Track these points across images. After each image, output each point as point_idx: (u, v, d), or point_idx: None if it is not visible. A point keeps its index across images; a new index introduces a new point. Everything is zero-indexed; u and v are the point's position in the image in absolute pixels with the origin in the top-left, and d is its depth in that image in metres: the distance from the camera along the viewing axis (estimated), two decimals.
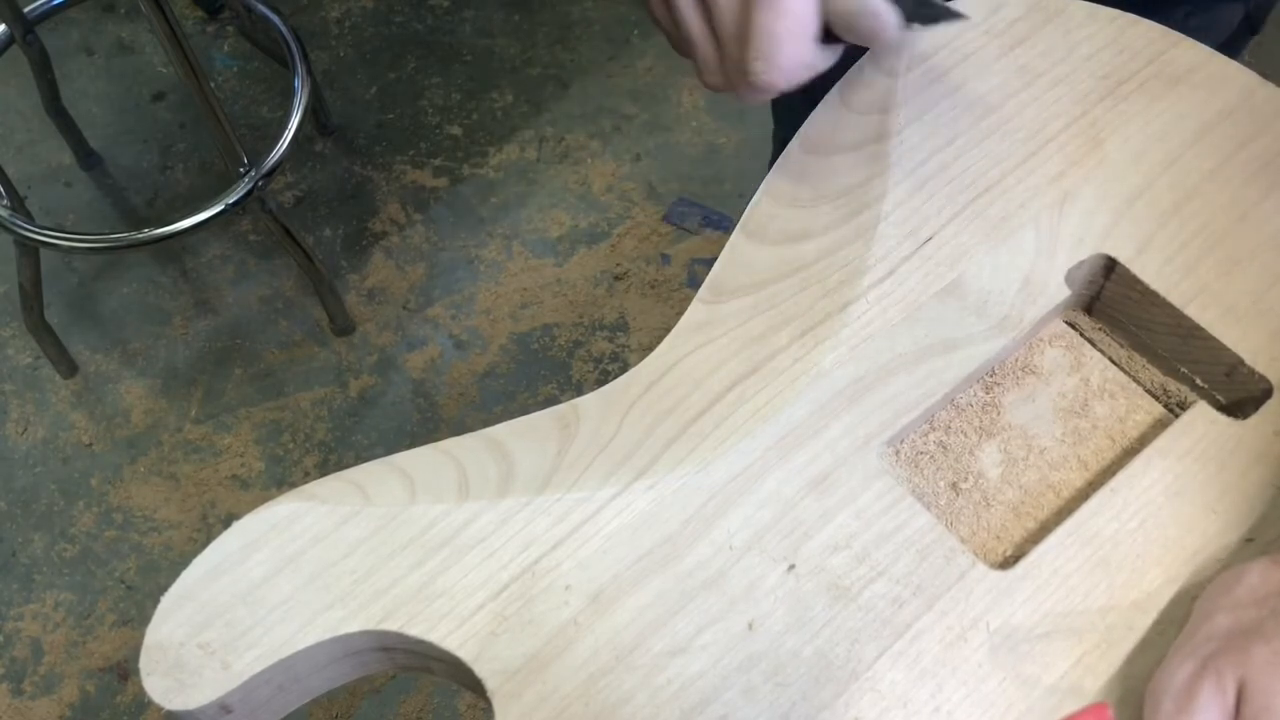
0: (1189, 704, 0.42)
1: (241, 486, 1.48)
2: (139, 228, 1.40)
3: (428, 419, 1.53)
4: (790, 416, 0.51)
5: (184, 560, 0.48)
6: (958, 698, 0.45)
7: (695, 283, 1.62)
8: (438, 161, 1.74)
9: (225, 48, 1.86)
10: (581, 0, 1.88)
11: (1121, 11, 0.63)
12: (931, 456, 0.54)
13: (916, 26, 0.56)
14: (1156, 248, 0.56)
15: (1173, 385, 0.56)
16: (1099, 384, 0.56)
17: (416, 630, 0.46)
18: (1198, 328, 0.54)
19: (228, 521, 0.54)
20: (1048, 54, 0.62)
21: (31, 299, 1.48)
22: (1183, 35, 0.63)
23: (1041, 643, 0.46)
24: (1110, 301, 0.57)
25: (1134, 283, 0.55)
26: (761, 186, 0.57)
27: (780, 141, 1.02)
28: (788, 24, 0.50)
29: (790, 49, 0.51)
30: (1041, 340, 0.57)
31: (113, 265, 1.65)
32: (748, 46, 0.51)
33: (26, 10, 1.51)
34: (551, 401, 1.53)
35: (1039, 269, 0.55)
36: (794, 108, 0.94)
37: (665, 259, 1.64)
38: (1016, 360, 0.56)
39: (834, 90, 0.60)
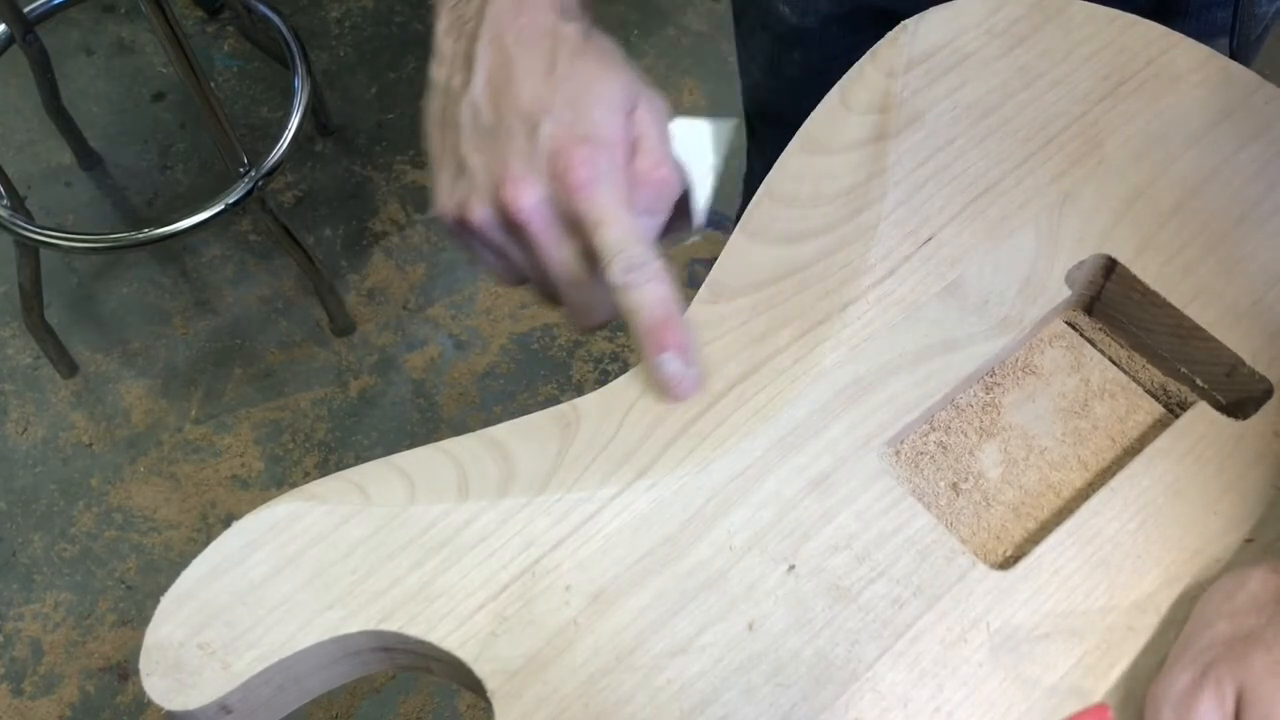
0: (1189, 712, 0.42)
1: (241, 486, 1.48)
2: (139, 228, 1.40)
3: (428, 419, 1.53)
4: (790, 417, 0.51)
5: (184, 560, 0.48)
6: (958, 698, 0.45)
7: (695, 283, 1.62)
8: None
9: (225, 48, 1.86)
10: None
11: (1121, 11, 0.63)
12: (931, 457, 0.54)
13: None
14: (1156, 248, 0.56)
15: (1173, 385, 0.56)
16: (1099, 384, 0.56)
17: (416, 630, 0.46)
18: (1198, 328, 0.54)
19: (228, 521, 0.54)
20: (1048, 54, 0.62)
21: (31, 299, 1.48)
22: (1183, 35, 0.63)
23: (1042, 643, 0.46)
24: (1110, 302, 0.57)
25: (1134, 283, 0.55)
26: (761, 186, 0.57)
27: (754, 159, 1.01)
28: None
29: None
30: (1042, 340, 0.57)
31: (113, 265, 1.65)
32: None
33: (26, 10, 1.51)
34: (551, 401, 1.53)
35: (1039, 269, 0.55)
36: (766, 133, 0.94)
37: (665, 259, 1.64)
38: (1017, 360, 0.56)
39: (834, 90, 0.60)
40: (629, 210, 0.49)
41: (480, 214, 0.49)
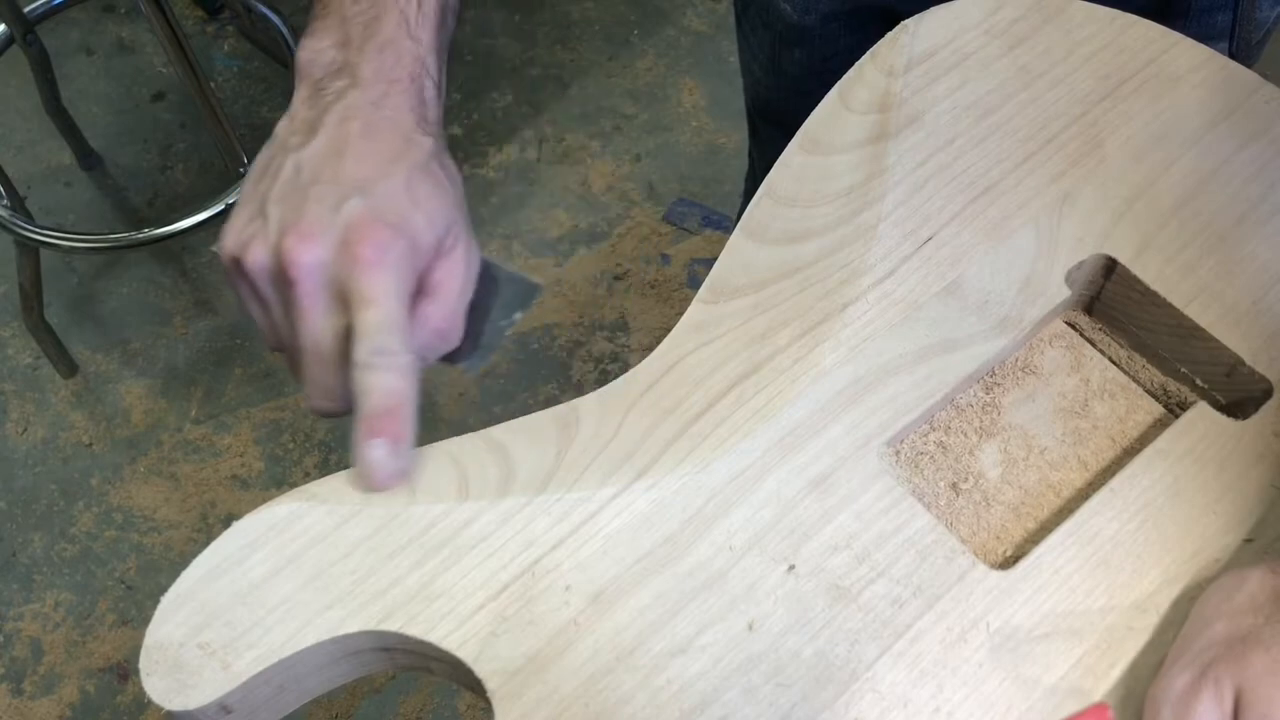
0: (1187, 712, 0.42)
1: (241, 486, 1.48)
2: (139, 228, 1.40)
3: (428, 419, 1.52)
4: (790, 417, 0.51)
5: (184, 560, 0.48)
6: (958, 698, 0.45)
7: (695, 283, 1.62)
8: None
9: (225, 48, 1.86)
10: (581, 0, 1.88)
11: (1121, 11, 0.63)
12: (931, 457, 0.54)
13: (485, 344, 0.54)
14: (1157, 248, 0.56)
15: (1173, 385, 0.56)
16: (1099, 384, 0.56)
17: (416, 630, 0.46)
18: (1198, 328, 0.54)
19: (228, 521, 0.54)
20: (1048, 54, 0.62)
21: (31, 299, 1.48)
22: (1182, 35, 0.63)
23: (1042, 643, 0.46)
24: (1110, 302, 0.57)
25: (1134, 283, 0.55)
26: (762, 186, 0.57)
27: (754, 158, 1.01)
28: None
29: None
30: (1041, 340, 0.57)
31: (113, 265, 1.65)
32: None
33: (26, 10, 1.51)
34: (551, 401, 1.53)
35: (1039, 269, 0.55)
36: (767, 132, 0.95)
37: (665, 259, 1.64)
38: (1016, 360, 0.56)
39: (834, 90, 0.60)
40: (402, 305, 0.47)
41: (257, 258, 0.48)
